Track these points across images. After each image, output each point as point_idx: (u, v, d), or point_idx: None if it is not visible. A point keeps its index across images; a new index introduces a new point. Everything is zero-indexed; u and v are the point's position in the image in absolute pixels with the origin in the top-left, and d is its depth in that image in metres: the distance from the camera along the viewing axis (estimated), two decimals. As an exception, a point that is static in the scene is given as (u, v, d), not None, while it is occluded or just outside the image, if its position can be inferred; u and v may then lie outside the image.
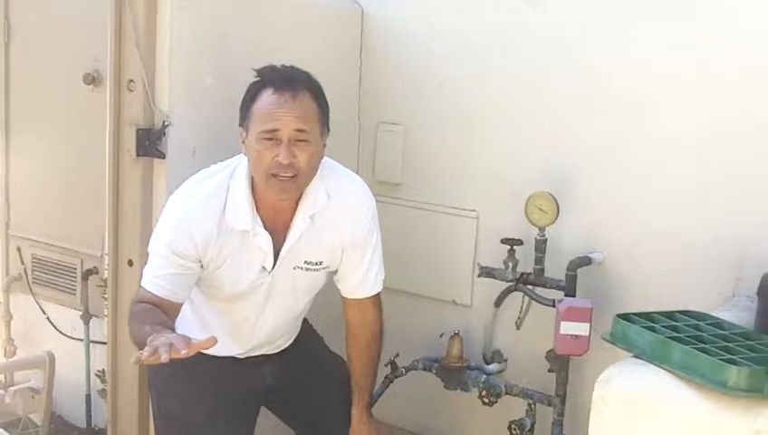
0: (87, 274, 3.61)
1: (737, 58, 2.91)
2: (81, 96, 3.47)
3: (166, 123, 2.97)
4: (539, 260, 3.19)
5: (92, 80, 3.43)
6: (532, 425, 3.24)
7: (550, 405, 3.19)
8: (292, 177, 2.50)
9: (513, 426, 3.24)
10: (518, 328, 3.38)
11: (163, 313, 2.48)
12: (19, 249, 3.87)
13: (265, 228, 2.61)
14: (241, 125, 2.60)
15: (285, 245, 2.64)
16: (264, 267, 2.64)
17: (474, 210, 3.50)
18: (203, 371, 2.61)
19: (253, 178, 2.58)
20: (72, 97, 3.53)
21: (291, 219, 2.63)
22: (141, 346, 2.24)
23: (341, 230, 2.71)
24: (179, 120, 3.00)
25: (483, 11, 3.44)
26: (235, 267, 2.62)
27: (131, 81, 2.98)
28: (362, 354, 2.90)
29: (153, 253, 2.60)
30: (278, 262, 2.65)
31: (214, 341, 2.18)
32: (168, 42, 2.96)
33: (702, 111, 2.99)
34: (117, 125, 3.03)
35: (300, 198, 2.62)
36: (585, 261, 3.14)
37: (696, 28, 2.98)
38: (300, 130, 2.49)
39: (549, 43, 3.28)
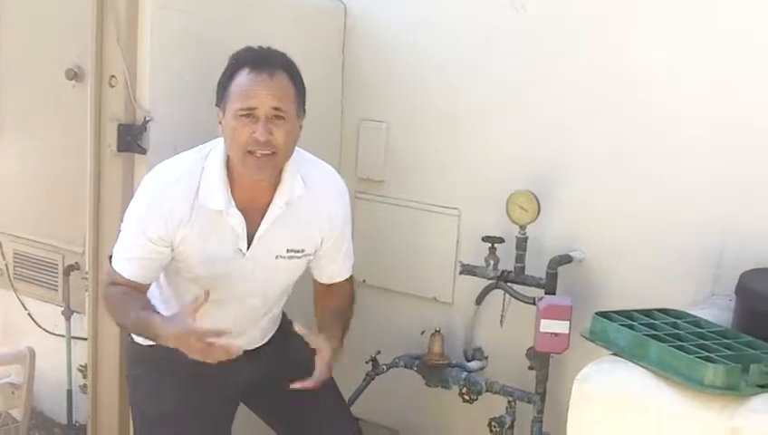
0: (69, 270, 3.59)
1: (718, 58, 2.93)
2: (63, 92, 3.46)
3: (147, 119, 2.97)
4: (520, 258, 3.20)
5: (74, 75, 3.41)
6: (512, 422, 3.25)
7: (530, 402, 3.20)
8: (270, 154, 2.52)
9: (493, 423, 3.26)
10: (501, 325, 3.37)
11: (137, 291, 2.62)
12: (0, 244, 3.86)
13: (239, 210, 2.61)
14: (218, 105, 2.61)
15: (260, 228, 2.64)
16: (239, 250, 2.64)
17: (456, 208, 3.51)
18: (177, 366, 2.60)
19: (229, 158, 2.59)
20: (54, 93, 3.51)
21: (267, 204, 2.63)
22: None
23: (321, 219, 2.72)
24: (160, 116, 3.00)
25: (467, 9, 3.44)
26: (207, 247, 2.61)
27: (113, 76, 2.98)
28: (337, 317, 2.83)
29: (125, 231, 2.63)
30: (253, 245, 2.65)
31: (206, 296, 2.45)
32: (149, 38, 2.96)
33: (680, 111, 3.00)
34: (98, 120, 3.02)
35: (277, 184, 2.63)
36: (566, 259, 3.15)
37: (681, 29, 3.00)
38: (277, 108, 2.51)
39: (533, 43, 3.29)
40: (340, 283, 2.89)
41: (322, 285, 2.89)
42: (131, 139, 2.97)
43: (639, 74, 3.07)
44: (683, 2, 2.99)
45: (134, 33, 2.96)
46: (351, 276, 2.93)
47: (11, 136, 3.81)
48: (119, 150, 2.98)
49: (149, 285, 2.66)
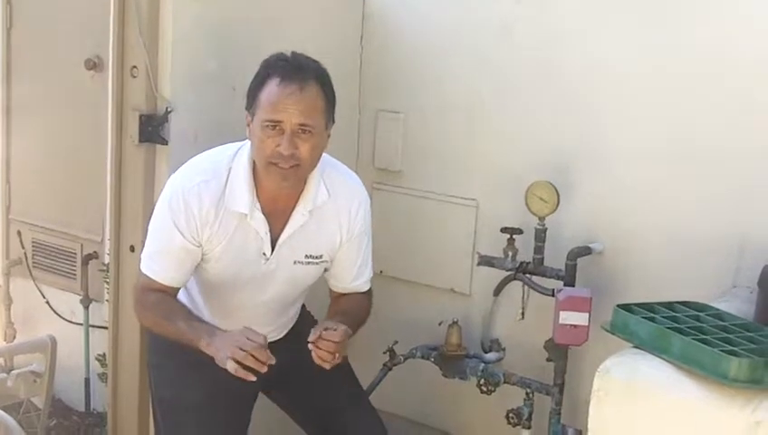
0: (87, 258, 3.62)
1: (737, 50, 2.92)
2: (82, 81, 3.48)
3: (168, 109, 2.98)
4: (538, 249, 3.19)
5: (94, 65, 3.43)
6: (530, 414, 3.25)
7: (548, 394, 3.21)
8: (294, 166, 2.51)
9: (510, 415, 3.26)
10: (523, 317, 3.35)
11: (173, 299, 2.63)
12: (19, 233, 3.88)
13: (263, 214, 2.62)
14: (247, 109, 2.60)
15: (283, 234, 2.65)
16: (263, 253, 2.65)
17: (473, 199, 3.51)
18: (198, 356, 2.61)
19: (255, 162, 2.59)
20: (73, 82, 3.54)
21: (290, 209, 2.64)
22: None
23: (341, 225, 2.72)
24: (182, 107, 3.01)
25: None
26: (231, 250, 2.62)
27: (134, 67, 2.99)
28: (345, 316, 2.73)
29: (155, 232, 2.63)
30: (276, 249, 2.66)
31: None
32: (171, 28, 2.97)
33: (701, 101, 2.99)
34: (119, 111, 3.03)
35: (301, 190, 2.63)
36: (585, 251, 3.14)
37: (696, 19, 3.00)
38: (303, 124, 2.49)
39: (550, 31, 3.29)
40: (356, 295, 2.86)
41: (339, 295, 2.86)
42: (153, 129, 2.98)
43: (660, 65, 3.06)
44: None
45: (155, 23, 2.97)
46: (370, 291, 2.90)
47: (29, 125, 3.83)
48: (140, 141, 2.98)
49: (179, 289, 2.67)
